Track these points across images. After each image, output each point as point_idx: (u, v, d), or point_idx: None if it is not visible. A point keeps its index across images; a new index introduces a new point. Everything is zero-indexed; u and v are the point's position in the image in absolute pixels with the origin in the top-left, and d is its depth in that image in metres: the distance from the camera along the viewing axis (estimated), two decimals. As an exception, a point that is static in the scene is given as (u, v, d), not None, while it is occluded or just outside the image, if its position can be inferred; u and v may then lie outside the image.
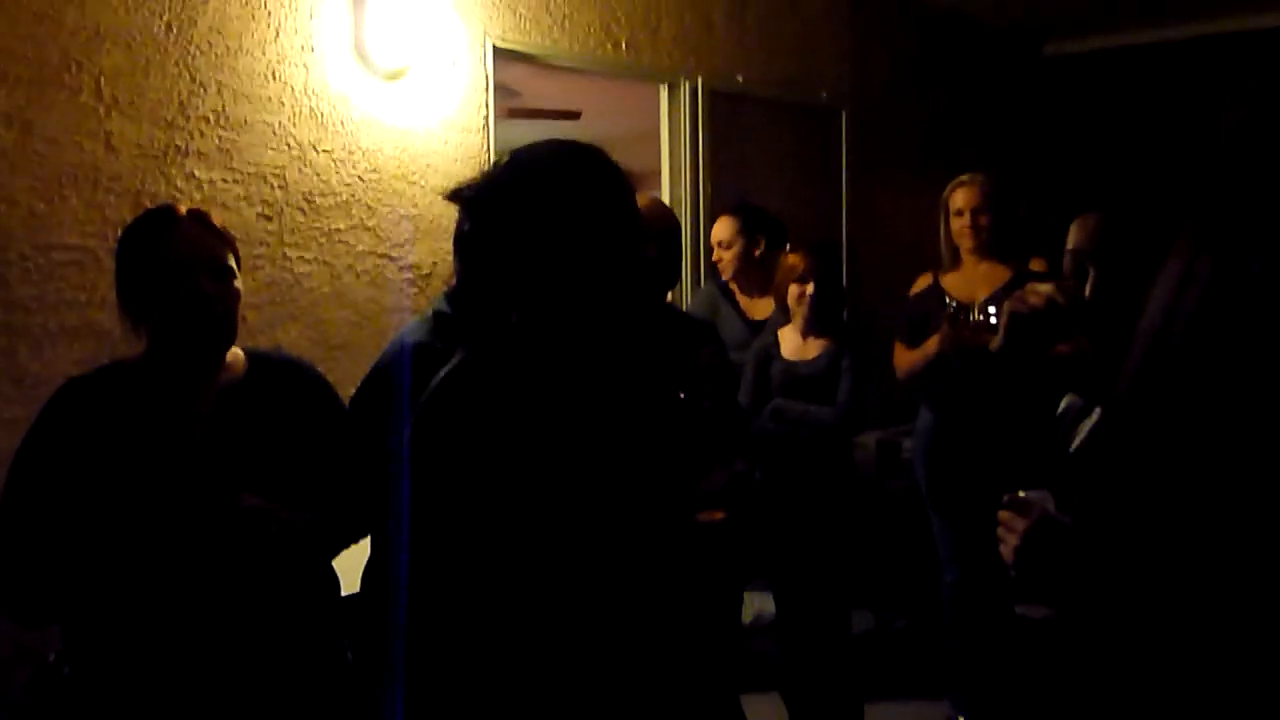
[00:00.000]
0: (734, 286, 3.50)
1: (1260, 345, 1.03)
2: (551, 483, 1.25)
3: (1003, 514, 1.28)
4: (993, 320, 3.06)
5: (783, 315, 3.14)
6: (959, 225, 3.22)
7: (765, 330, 3.23)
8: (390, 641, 1.49)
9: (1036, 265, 3.17)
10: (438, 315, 1.94)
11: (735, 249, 3.42)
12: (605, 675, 1.29)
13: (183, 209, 1.68)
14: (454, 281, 1.97)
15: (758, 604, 3.70)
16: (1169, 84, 5.39)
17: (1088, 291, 1.36)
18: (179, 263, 1.61)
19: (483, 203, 1.30)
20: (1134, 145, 5.22)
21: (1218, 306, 1.06)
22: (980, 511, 1.34)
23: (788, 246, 3.16)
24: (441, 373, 1.30)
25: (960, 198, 3.23)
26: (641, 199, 2.34)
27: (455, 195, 1.34)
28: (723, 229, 3.47)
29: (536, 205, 1.26)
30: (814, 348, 3.05)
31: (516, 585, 1.24)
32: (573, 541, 1.26)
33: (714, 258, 3.52)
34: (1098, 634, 1.19)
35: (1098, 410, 1.41)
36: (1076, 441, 1.44)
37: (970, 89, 5.31)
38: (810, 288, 2.99)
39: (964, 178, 3.25)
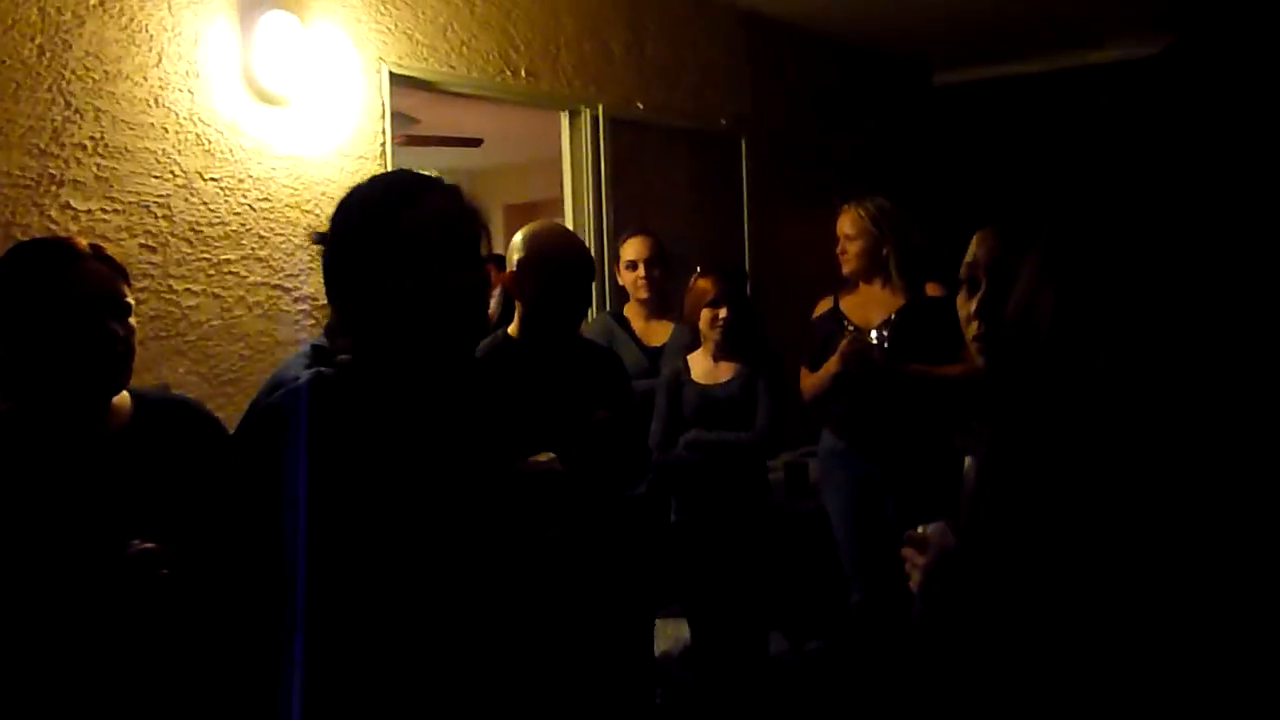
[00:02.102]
0: (632, 313, 3.46)
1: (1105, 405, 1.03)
2: (364, 512, 1.25)
3: (905, 550, 1.30)
4: (885, 345, 3.15)
5: (693, 339, 3.15)
6: (838, 250, 3.30)
7: (667, 355, 3.22)
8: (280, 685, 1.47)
9: (931, 290, 3.24)
10: (315, 349, 1.89)
11: (657, 271, 3.34)
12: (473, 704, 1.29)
13: (84, 243, 1.59)
14: (332, 316, 1.92)
15: (673, 632, 3.68)
16: (1048, 112, 5.65)
17: (976, 305, 1.37)
18: (85, 302, 1.53)
19: (331, 239, 1.34)
20: (1019, 170, 5.45)
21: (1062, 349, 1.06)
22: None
23: (698, 270, 3.17)
24: (267, 400, 1.31)
25: (838, 224, 3.31)
26: (551, 228, 2.32)
27: (321, 237, 1.37)
28: (641, 248, 3.36)
29: (369, 240, 1.30)
30: (725, 371, 3.06)
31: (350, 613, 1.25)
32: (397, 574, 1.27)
33: (629, 279, 3.39)
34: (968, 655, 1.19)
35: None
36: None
37: (865, 117, 5.46)
38: (724, 312, 3.01)
39: (844, 205, 3.32)
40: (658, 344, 3.33)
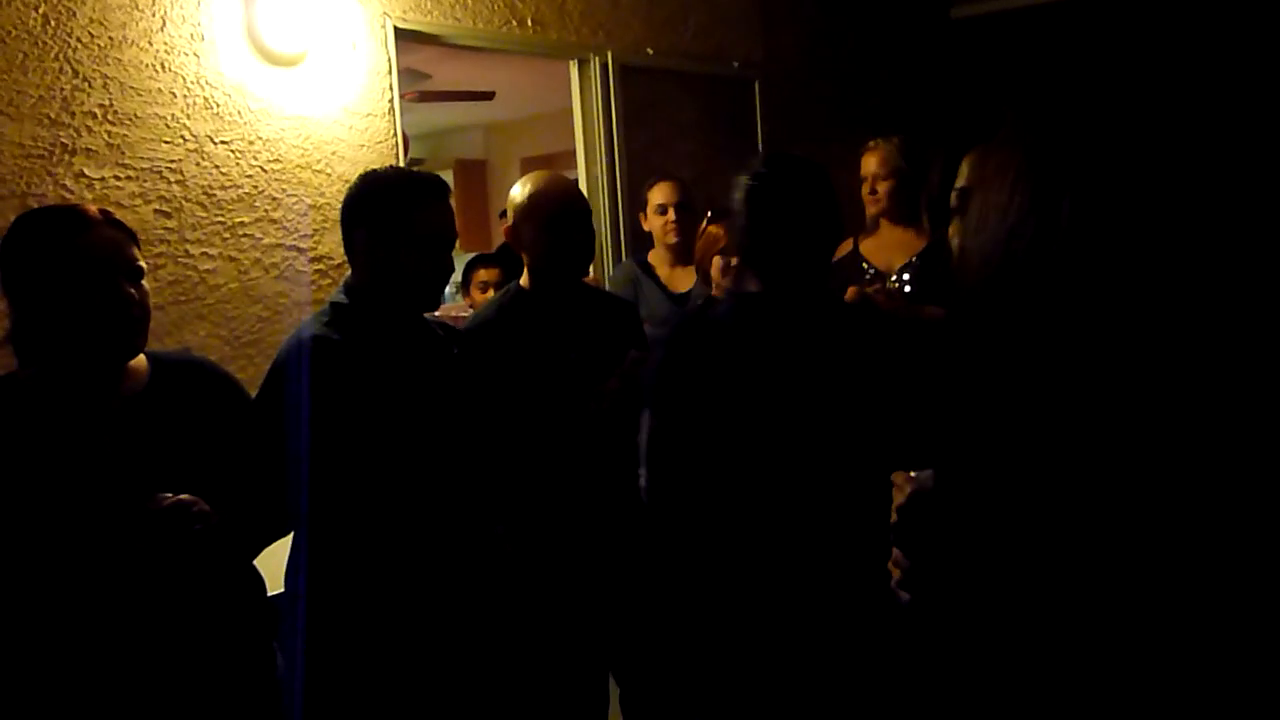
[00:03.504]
0: (656, 259, 3.46)
1: (1067, 294, 0.93)
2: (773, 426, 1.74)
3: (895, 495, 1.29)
4: (906, 288, 3.09)
5: (705, 287, 3.13)
6: (864, 191, 3.24)
7: (693, 301, 3.21)
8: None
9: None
10: (335, 307, 1.89)
11: (686, 215, 3.36)
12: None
13: (94, 209, 1.61)
14: (350, 274, 1.94)
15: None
16: (1070, 42, 5.50)
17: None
18: (99, 266, 1.55)
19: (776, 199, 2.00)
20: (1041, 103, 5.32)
21: (1033, 248, 0.97)
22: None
23: (709, 216, 3.14)
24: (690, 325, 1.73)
25: (864, 163, 3.24)
26: (542, 176, 2.31)
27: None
28: (670, 192, 3.39)
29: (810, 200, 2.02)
30: (737, 318, 3.05)
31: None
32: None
33: (658, 224, 3.41)
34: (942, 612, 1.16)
35: None
36: None
37: (881, 54, 5.35)
38: (736, 259, 2.98)
39: (870, 143, 3.25)
40: (683, 290, 3.33)
